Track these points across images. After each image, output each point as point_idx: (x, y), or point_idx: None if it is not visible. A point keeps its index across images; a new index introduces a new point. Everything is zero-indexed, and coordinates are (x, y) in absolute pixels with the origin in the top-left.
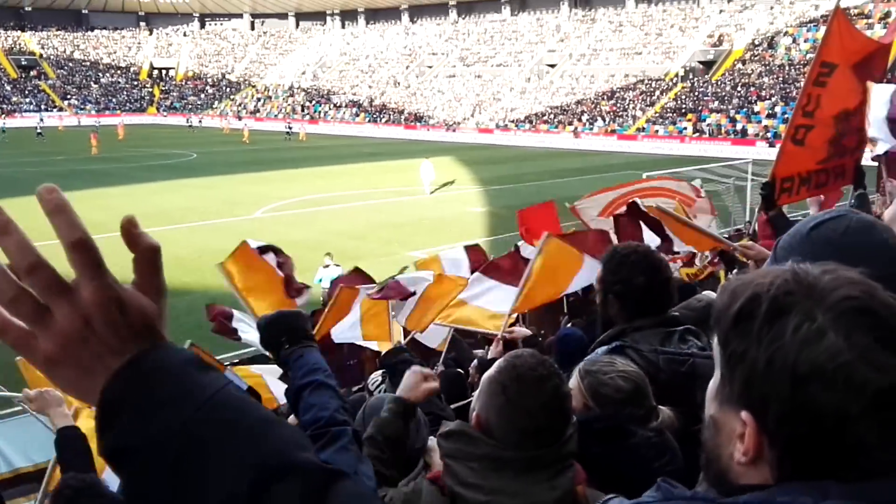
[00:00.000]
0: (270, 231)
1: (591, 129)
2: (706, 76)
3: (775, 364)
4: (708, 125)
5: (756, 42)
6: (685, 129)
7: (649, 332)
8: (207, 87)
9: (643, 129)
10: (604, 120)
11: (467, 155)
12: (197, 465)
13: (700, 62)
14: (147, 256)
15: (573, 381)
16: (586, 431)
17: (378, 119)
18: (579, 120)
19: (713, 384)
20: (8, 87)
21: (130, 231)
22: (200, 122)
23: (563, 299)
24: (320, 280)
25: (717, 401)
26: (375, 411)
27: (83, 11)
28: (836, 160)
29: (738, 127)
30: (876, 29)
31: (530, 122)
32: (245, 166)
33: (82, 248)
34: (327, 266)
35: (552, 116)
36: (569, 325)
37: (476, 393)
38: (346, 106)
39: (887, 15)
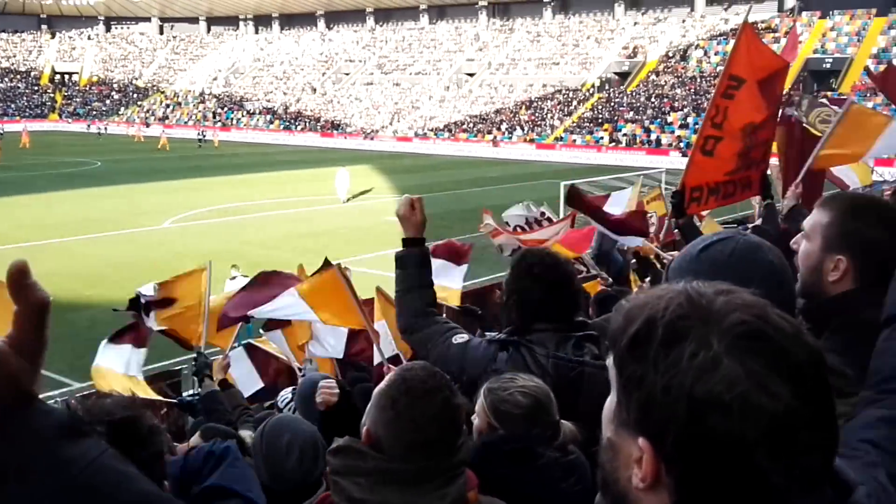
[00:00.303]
0: (179, 242)
1: (510, 138)
2: (621, 87)
3: (672, 392)
4: (624, 135)
5: (669, 54)
6: (602, 138)
7: (546, 336)
8: (113, 93)
9: (561, 138)
10: (522, 129)
11: (385, 163)
12: None
13: (615, 73)
14: (35, 311)
15: (479, 401)
16: (493, 453)
17: (293, 127)
18: (498, 129)
19: (609, 405)
20: None
21: (19, 282)
22: (106, 128)
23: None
24: None
25: (615, 424)
26: (275, 433)
27: None
28: (743, 172)
29: (653, 137)
30: (782, 43)
31: (449, 130)
32: (153, 175)
33: None
34: (234, 278)
35: (471, 125)
36: (486, 333)
37: (367, 408)
38: (259, 113)
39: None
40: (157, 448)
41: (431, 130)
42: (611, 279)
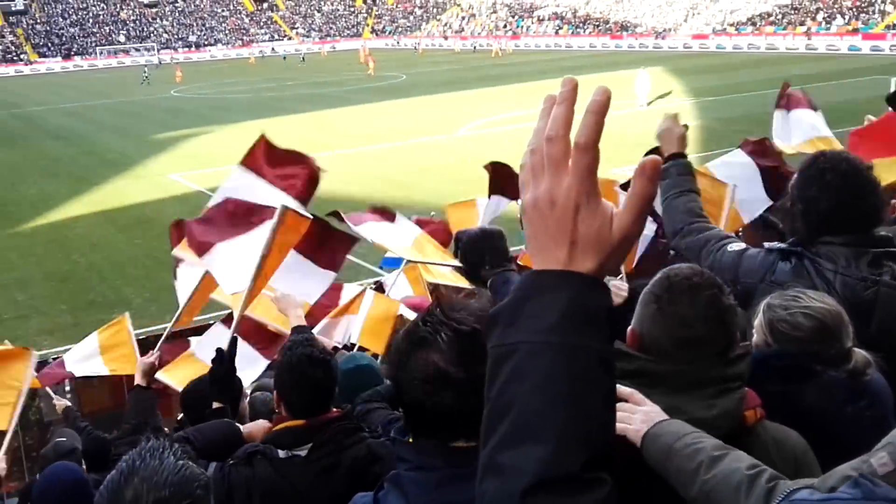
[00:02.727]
0: (475, 149)
1: (828, 28)
2: None
3: None
4: None
5: None
6: None
7: (838, 249)
8: (416, 9)
9: (894, 25)
10: (843, 17)
11: (679, 63)
12: None
13: None
14: None
15: (758, 317)
16: (764, 368)
17: (581, 30)
18: (813, 18)
19: None
20: (246, 20)
21: None
22: (419, 44)
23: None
24: None
25: None
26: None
27: None
28: None
29: None
30: None
31: (753, 24)
32: (449, 86)
33: (583, 151)
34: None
35: (780, 16)
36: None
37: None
38: (549, 19)
39: None
40: None
41: (732, 25)
42: None
